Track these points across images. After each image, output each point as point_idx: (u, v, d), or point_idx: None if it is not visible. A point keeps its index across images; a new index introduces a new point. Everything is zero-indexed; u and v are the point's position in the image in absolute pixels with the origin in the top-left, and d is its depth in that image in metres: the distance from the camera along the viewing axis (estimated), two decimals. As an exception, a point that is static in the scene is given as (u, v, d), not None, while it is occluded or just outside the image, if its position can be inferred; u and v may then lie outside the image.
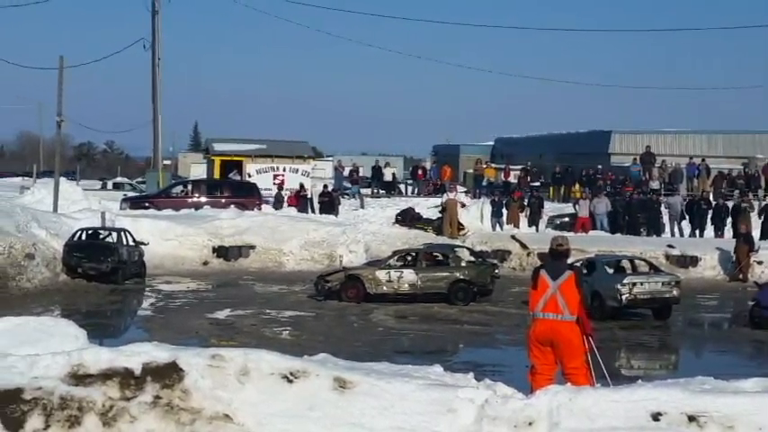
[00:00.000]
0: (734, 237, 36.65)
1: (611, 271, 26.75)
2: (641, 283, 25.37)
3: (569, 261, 13.06)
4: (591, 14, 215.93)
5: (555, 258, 12.48)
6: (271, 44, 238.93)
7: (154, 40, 51.25)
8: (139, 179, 73.40)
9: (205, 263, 35.35)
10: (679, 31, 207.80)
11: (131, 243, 31.66)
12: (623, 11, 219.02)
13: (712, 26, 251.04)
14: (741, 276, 33.88)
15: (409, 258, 28.80)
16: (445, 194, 41.35)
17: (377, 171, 55.96)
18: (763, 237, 37.83)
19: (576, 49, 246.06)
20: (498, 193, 44.95)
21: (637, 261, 28.25)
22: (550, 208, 45.32)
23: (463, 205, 40.47)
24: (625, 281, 25.34)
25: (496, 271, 29.91)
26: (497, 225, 41.47)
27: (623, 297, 25.02)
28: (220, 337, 21.70)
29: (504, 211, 42.05)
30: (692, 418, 9.14)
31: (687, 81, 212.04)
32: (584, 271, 24.68)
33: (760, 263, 34.65)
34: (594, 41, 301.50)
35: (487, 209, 42.73)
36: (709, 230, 40.75)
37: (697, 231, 41.03)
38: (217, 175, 50.76)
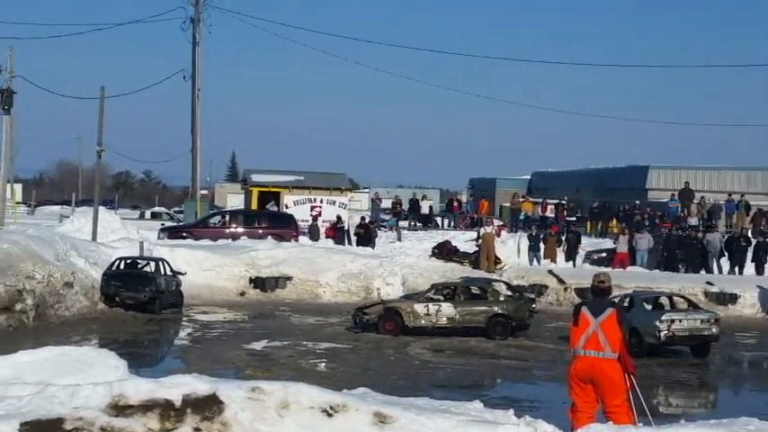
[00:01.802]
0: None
1: (649, 307, 26.60)
2: (680, 320, 25.16)
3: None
4: (631, 49, 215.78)
5: (596, 295, 12.40)
6: (309, 76, 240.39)
7: (194, 70, 51.59)
8: (177, 209, 73.80)
9: (242, 293, 35.40)
10: (719, 67, 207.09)
11: (169, 273, 31.77)
12: (662, 46, 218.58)
13: (752, 63, 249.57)
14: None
15: (447, 292, 28.74)
16: (482, 228, 41.29)
17: (414, 203, 55.95)
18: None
19: (615, 84, 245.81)
20: (535, 228, 44.82)
21: (675, 298, 28.08)
22: (587, 243, 45.12)
23: (499, 233, 40.31)
24: (663, 317, 25.14)
25: (534, 306, 29.80)
26: (534, 259, 41.35)
27: (662, 334, 24.82)
28: (257, 368, 21.70)
29: (542, 246, 41.92)
30: (736, 460, 9.03)
31: (726, 117, 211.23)
32: (623, 306, 24.59)
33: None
34: (633, 76, 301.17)
35: (524, 243, 42.62)
36: (749, 268, 40.38)
37: (736, 269, 40.68)
38: (254, 205, 50.96)
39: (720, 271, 40.82)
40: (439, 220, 59.25)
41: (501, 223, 51.81)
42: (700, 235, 43.69)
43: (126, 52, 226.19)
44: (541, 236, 42.78)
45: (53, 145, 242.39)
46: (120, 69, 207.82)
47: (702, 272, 40.11)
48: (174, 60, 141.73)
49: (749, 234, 43.29)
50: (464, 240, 43.13)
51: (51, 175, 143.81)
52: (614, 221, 49.25)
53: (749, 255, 40.65)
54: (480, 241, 39.81)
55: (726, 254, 41.35)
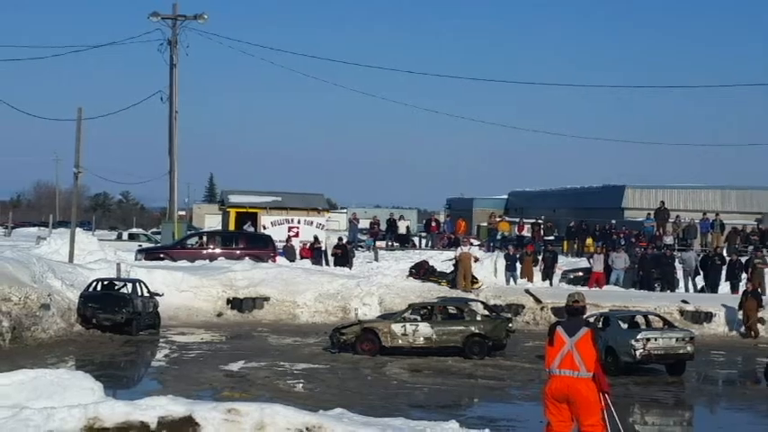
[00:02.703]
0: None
1: (625, 326, 26.67)
2: (655, 339, 25.26)
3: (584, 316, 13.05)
4: (606, 70, 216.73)
5: (571, 315, 12.48)
6: (287, 97, 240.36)
7: (171, 92, 51.53)
8: (155, 230, 73.64)
9: (219, 314, 35.35)
10: (693, 87, 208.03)
11: (146, 294, 31.71)
12: (638, 67, 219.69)
13: (727, 83, 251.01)
14: (752, 333, 33.72)
15: (424, 312, 28.78)
16: (459, 248, 41.36)
17: (391, 224, 55.98)
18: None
19: (591, 105, 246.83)
20: (512, 247, 44.91)
21: (651, 316, 28.21)
22: (564, 262, 45.24)
23: (476, 260, 40.38)
24: (639, 336, 25.23)
25: (511, 325, 29.85)
26: (511, 279, 41.42)
27: (637, 352, 24.92)
28: (234, 389, 21.64)
29: (518, 265, 42.00)
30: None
31: (701, 137, 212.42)
32: (599, 326, 24.69)
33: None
34: (608, 97, 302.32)
35: (501, 262, 42.70)
36: (724, 286, 40.54)
37: (711, 287, 40.84)
38: (232, 226, 50.98)
39: (696, 289, 40.99)
40: (417, 239, 59.29)
41: (478, 243, 51.88)
42: (675, 254, 43.92)
43: (104, 74, 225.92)
44: (518, 255, 42.87)
45: (31, 166, 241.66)
46: (98, 91, 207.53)
47: (678, 290, 40.29)
48: (153, 82, 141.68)
49: (724, 253, 43.51)
50: (441, 260, 43.19)
51: (29, 197, 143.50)
52: (590, 240, 49.39)
53: (724, 273, 40.82)
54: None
55: (701, 272, 41.54)
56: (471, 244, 43.91)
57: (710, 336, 33.49)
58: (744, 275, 39.69)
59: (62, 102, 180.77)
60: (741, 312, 34.30)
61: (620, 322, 26.78)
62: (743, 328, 34.07)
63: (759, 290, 36.02)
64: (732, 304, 35.29)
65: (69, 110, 66.80)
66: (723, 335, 34.28)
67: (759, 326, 34.13)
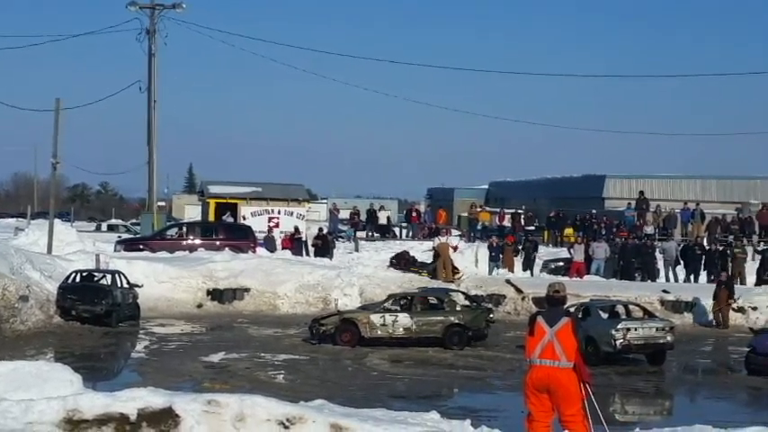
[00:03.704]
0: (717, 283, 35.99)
1: (605, 316, 26.74)
2: (635, 329, 25.34)
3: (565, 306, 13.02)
4: (584, 60, 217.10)
5: (552, 305, 12.44)
6: (266, 87, 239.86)
7: (150, 82, 51.36)
8: (134, 221, 73.41)
9: (199, 305, 35.21)
10: (673, 77, 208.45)
11: (125, 285, 31.57)
12: (617, 56, 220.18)
13: (705, 73, 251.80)
14: (722, 323, 33.69)
15: (404, 302, 28.76)
16: (437, 238, 41.33)
17: (371, 214, 55.94)
18: (759, 283, 37.86)
19: (570, 94, 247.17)
20: (496, 238, 44.90)
21: (631, 306, 28.27)
22: (544, 252, 45.30)
23: (455, 248, 40.34)
24: (619, 326, 25.30)
25: (491, 315, 29.88)
26: (495, 269, 41.39)
27: (617, 342, 24.99)
28: (215, 380, 21.61)
29: (500, 255, 42.02)
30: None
31: (681, 126, 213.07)
32: (579, 316, 24.73)
33: (755, 309, 34.58)
34: (588, 86, 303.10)
35: (482, 253, 42.71)
36: (704, 276, 40.61)
37: (692, 276, 40.95)
38: (211, 217, 50.89)
39: (676, 279, 41.11)
40: (397, 230, 59.25)
41: (459, 234, 51.91)
42: (656, 243, 44.01)
43: (83, 64, 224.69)
44: (500, 245, 42.87)
45: (8, 157, 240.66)
46: (76, 81, 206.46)
47: (659, 280, 40.38)
48: (131, 72, 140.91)
49: (704, 242, 43.61)
50: (422, 251, 43.18)
51: (6, 188, 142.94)
52: (570, 230, 49.43)
53: (703, 263, 40.90)
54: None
55: (681, 262, 41.65)
56: (450, 234, 43.91)
57: (691, 325, 33.62)
58: (729, 264, 39.69)
59: (40, 92, 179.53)
60: (714, 303, 34.25)
61: (600, 312, 26.84)
62: (719, 317, 34.09)
63: (734, 280, 36.13)
64: (695, 298, 35.34)
65: (48, 100, 66.40)
66: (704, 324, 34.36)
67: (738, 315, 34.17)
